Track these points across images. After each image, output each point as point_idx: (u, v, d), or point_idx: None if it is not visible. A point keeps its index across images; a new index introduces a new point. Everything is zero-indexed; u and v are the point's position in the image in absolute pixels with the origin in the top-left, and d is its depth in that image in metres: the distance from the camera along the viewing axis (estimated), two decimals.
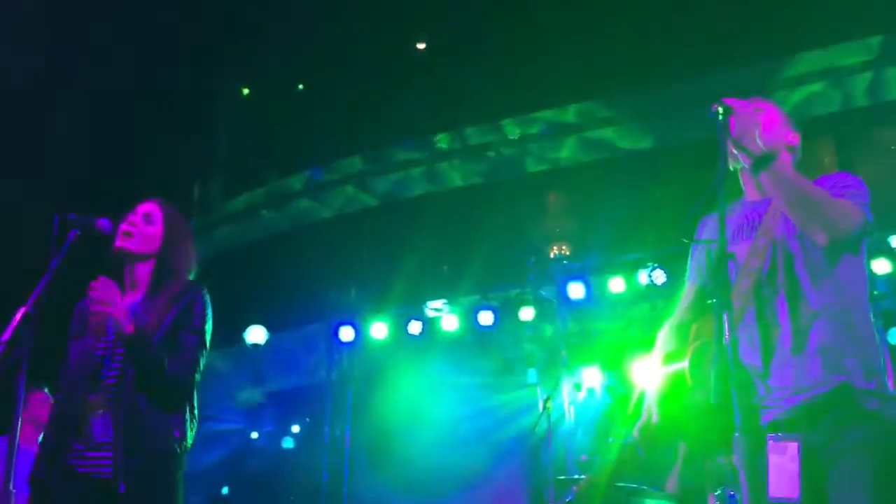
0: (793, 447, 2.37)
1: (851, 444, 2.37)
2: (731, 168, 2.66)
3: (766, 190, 2.60)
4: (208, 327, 3.17)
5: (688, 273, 2.91)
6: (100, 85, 7.03)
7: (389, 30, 7.71)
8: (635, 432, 2.77)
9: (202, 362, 3.13)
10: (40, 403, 4.89)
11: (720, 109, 2.42)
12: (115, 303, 2.97)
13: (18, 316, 2.72)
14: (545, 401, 6.02)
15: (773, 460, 2.35)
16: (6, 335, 2.69)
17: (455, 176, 8.67)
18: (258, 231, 9.18)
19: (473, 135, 8.46)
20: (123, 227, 3.16)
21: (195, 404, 3.13)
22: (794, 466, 2.33)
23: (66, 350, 3.17)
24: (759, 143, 2.46)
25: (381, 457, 8.70)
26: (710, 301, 2.38)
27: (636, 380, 6.85)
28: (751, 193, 2.71)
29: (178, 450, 3.03)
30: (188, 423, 3.08)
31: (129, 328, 2.97)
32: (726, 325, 2.14)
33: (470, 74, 7.74)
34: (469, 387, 8.31)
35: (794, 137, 2.70)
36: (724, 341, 2.14)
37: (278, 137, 8.56)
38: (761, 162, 2.47)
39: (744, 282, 2.56)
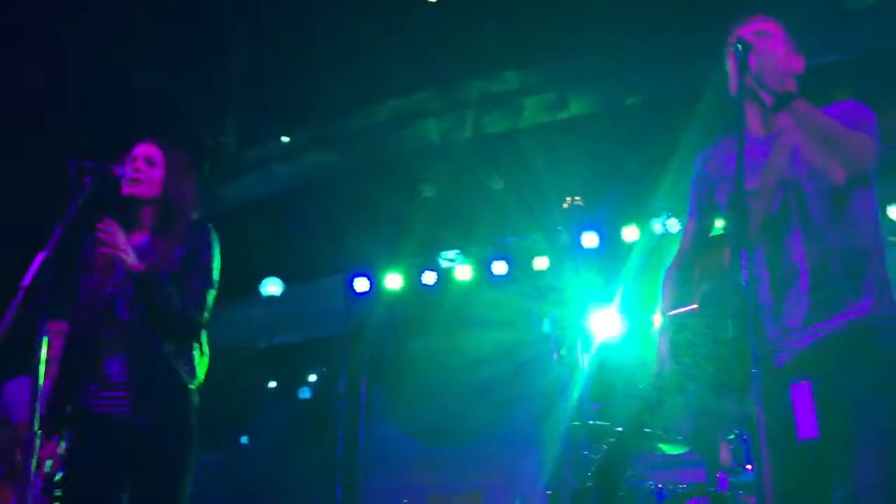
0: (805, 386, 2.38)
1: (869, 383, 2.36)
2: (732, 95, 2.54)
3: (773, 126, 2.56)
4: (216, 265, 3.21)
5: (688, 209, 2.83)
6: (112, 35, 6.98)
7: None
8: (653, 379, 2.76)
9: (210, 300, 3.17)
10: (57, 335, 4.93)
11: (740, 47, 2.39)
12: (121, 244, 2.99)
13: (38, 261, 2.75)
14: (559, 349, 6.05)
15: (797, 402, 2.36)
16: (26, 280, 2.72)
17: (466, 126, 8.59)
18: (272, 183, 9.17)
19: (486, 85, 8.37)
20: (129, 172, 3.16)
21: (204, 341, 3.18)
22: (809, 405, 2.34)
23: (78, 285, 3.19)
24: (781, 82, 2.43)
25: (397, 406, 8.79)
26: (728, 243, 2.34)
27: (650, 327, 6.87)
28: (756, 128, 2.63)
29: (191, 385, 3.10)
30: (197, 359, 3.14)
31: (140, 266, 3.00)
32: (744, 263, 2.12)
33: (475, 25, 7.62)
34: (483, 336, 8.34)
35: (800, 63, 2.64)
36: (741, 278, 2.12)
37: (292, 88, 8.49)
38: (784, 100, 2.43)
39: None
